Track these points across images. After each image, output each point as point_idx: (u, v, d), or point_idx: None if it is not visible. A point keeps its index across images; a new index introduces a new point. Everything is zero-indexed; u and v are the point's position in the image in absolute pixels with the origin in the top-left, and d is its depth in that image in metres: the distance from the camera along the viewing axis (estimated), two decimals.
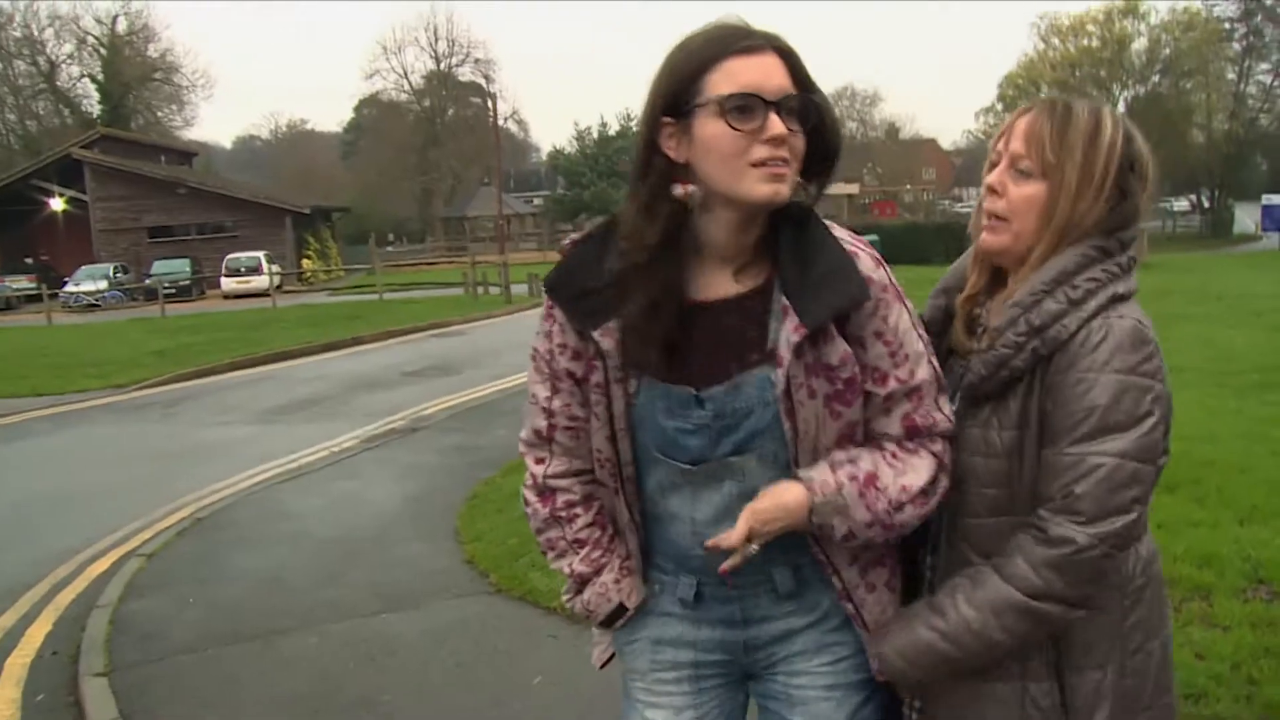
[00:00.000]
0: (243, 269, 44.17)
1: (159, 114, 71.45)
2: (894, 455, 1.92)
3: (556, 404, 2.06)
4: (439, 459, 10.04)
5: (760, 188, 1.79)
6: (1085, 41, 60.77)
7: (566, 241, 2.01)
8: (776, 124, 1.77)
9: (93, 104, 67.57)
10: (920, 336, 1.93)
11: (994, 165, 2.06)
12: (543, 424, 2.09)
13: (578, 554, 2.12)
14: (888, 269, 1.91)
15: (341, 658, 5.36)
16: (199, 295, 44.19)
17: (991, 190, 2.03)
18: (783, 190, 1.81)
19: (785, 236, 1.90)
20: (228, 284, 43.68)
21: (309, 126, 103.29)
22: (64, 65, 66.90)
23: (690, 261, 1.91)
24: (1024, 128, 2.00)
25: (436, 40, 78.46)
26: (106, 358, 20.73)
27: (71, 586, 6.98)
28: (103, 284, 42.98)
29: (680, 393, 1.91)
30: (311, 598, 6.30)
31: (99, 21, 66.35)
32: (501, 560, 6.51)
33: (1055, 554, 1.86)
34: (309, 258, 52.22)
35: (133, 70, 67.12)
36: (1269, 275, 26.81)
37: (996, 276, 2.12)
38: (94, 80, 66.96)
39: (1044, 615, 1.89)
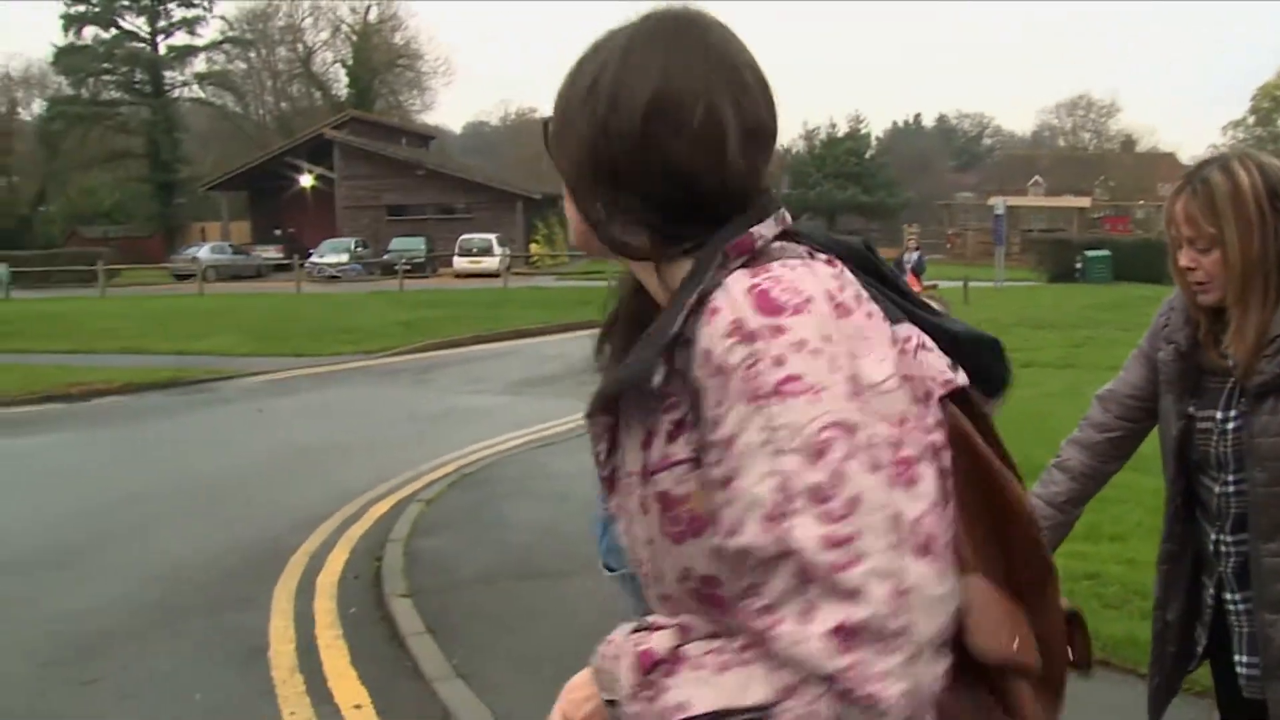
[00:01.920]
0: (475, 249, 45.82)
1: (401, 98, 74.73)
2: (720, 650, 1.12)
3: None
4: None
5: None
6: None
7: None
8: None
9: (341, 87, 71.23)
10: (775, 472, 1.07)
11: (1175, 243, 2.49)
12: None
13: None
14: (761, 346, 1.10)
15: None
16: (432, 272, 46.15)
17: (1189, 268, 2.46)
18: None
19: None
20: (460, 263, 45.34)
21: (537, 115, 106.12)
22: (319, 51, 70.94)
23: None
24: (1181, 214, 2.43)
25: None
26: (355, 325, 22.10)
27: (360, 523, 7.70)
28: (344, 257, 45.46)
29: None
30: (589, 548, 6.73)
31: (353, 10, 70.00)
32: None
33: None
34: (537, 242, 53.81)
35: (380, 56, 70.50)
36: None
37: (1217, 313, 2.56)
38: (345, 65, 70.62)
39: None
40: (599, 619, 5.56)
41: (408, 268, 40.11)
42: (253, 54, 69.44)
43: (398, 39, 72.26)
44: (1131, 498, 6.97)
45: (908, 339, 1.25)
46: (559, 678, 4.56)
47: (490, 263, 44.02)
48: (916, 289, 1.32)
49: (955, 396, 1.25)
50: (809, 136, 70.36)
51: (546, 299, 29.50)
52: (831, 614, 1.02)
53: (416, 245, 47.42)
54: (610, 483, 1.29)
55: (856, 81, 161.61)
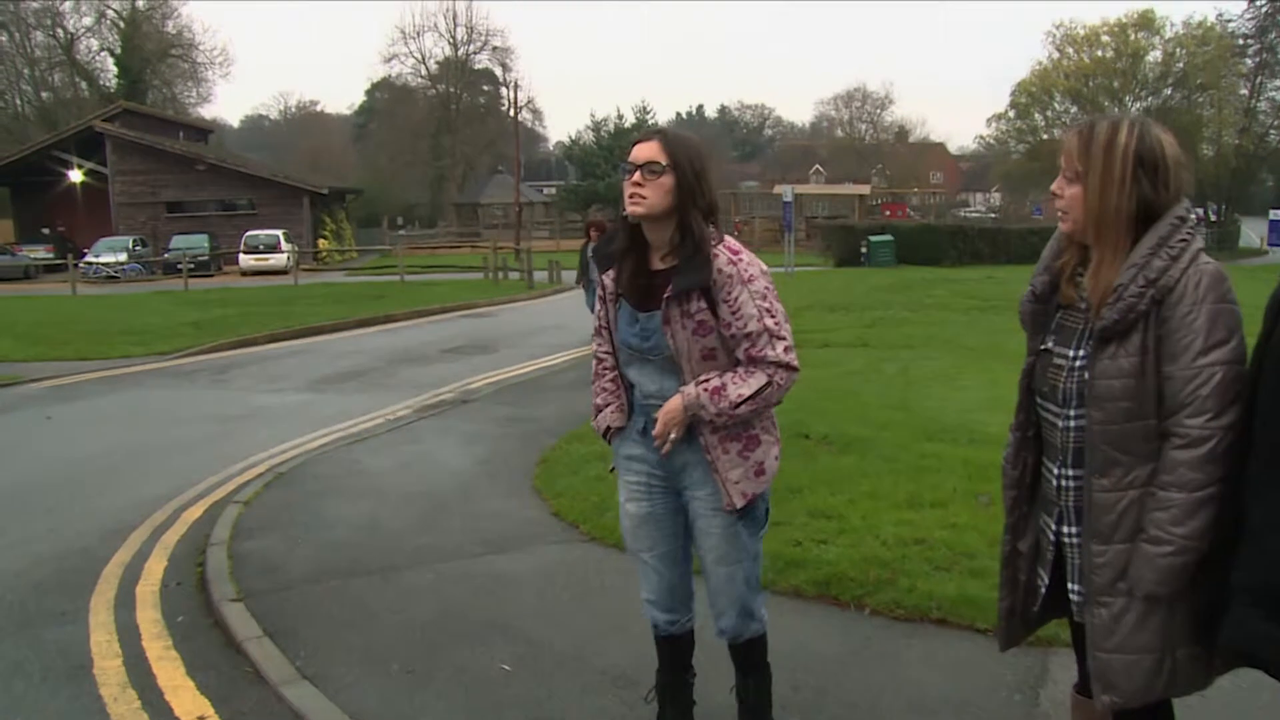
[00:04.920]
0: (261, 246, 44.71)
1: (175, 90, 71.76)
2: (738, 375, 3.37)
3: (601, 313, 3.72)
4: (497, 428, 10.47)
5: (628, 206, 3.40)
6: (1099, 52, 61.16)
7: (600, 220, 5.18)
8: (633, 176, 3.38)
9: (109, 78, 67.92)
10: (759, 308, 3.35)
11: (1060, 170, 2.81)
12: (596, 323, 3.80)
13: (598, 395, 3.76)
14: (743, 266, 3.36)
15: (461, 589, 5.83)
16: (217, 271, 44.63)
17: (1055, 194, 2.79)
18: (634, 210, 3.39)
19: (683, 239, 3.41)
20: (246, 261, 44.18)
21: (319, 108, 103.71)
22: (83, 38, 67.26)
23: (648, 249, 3.53)
24: (1065, 147, 2.76)
25: (455, 26, 78.88)
26: (142, 327, 21.17)
27: (173, 529, 7.42)
28: (122, 256, 43.40)
29: (629, 311, 3.55)
30: (414, 542, 6.75)
31: None
32: (588, 513, 6.95)
33: (1204, 450, 2.54)
34: (325, 238, 52.59)
35: (151, 45, 67.45)
36: (1271, 288, 27.26)
37: (1085, 250, 2.83)
38: (112, 54, 67.30)
39: (1215, 498, 2.55)
40: (436, 614, 5.55)
41: (191, 266, 38.57)
42: (3, 37, 65.00)
43: (170, 28, 69.36)
44: (944, 467, 7.33)
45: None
46: (409, 673, 4.52)
47: (278, 260, 43.17)
48: None
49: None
50: (597, 127, 70.80)
51: (339, 294, 28.95)
52: (781, 344, 3.36)
53: (199, 243, 45.65)
54: (666, 319, 3.39)
55: (640, 73, 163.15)
